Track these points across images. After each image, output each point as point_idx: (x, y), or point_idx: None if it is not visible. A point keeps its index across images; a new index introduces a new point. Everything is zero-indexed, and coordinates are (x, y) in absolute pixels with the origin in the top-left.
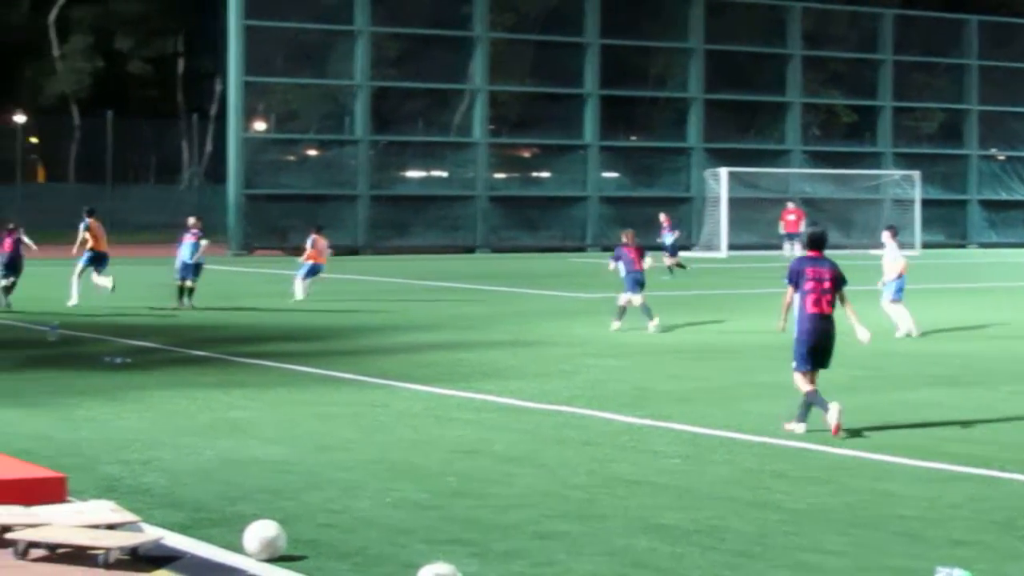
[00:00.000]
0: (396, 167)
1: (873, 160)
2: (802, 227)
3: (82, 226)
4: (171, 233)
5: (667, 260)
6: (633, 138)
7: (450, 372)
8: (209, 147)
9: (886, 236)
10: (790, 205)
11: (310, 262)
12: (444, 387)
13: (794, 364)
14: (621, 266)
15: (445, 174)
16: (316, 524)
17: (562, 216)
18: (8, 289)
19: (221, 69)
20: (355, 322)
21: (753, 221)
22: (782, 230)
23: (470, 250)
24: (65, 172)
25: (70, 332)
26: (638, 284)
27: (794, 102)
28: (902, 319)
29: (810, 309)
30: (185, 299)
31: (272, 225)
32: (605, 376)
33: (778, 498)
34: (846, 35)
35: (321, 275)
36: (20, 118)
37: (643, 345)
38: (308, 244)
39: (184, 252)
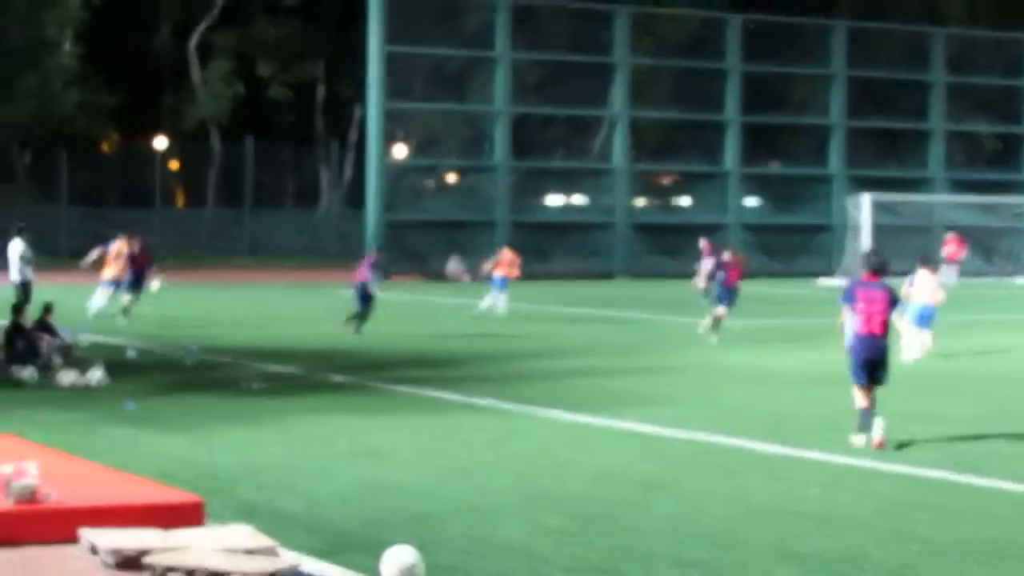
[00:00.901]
0: (535, 193)
1: (1017, 188)
2: (962, 256)
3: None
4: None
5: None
6: (774, 165)
7: (590, 398)
8: (348, 173)
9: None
10: (950, 234)
11: (499, 274)
12: (584, 414)
13: (852, 379)
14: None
15: (585, 200)
16: (455, 550)
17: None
18: (127, 310)
19: (361, 95)
20: (494, 348)
21: (895, 249)
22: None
23: (608, 276)
24: (204, 197)
25: (208, 356)
26: (728, 297)
27: (937, 129)
28: (914, 344)
29: (861, 329)
30: (355, 325)
31: (411, 251)
32: (744, 403)
33: (919, 529)
34: (990, 61)
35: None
36: (161, 143)
37: (781, 372)
38: (494, 257)
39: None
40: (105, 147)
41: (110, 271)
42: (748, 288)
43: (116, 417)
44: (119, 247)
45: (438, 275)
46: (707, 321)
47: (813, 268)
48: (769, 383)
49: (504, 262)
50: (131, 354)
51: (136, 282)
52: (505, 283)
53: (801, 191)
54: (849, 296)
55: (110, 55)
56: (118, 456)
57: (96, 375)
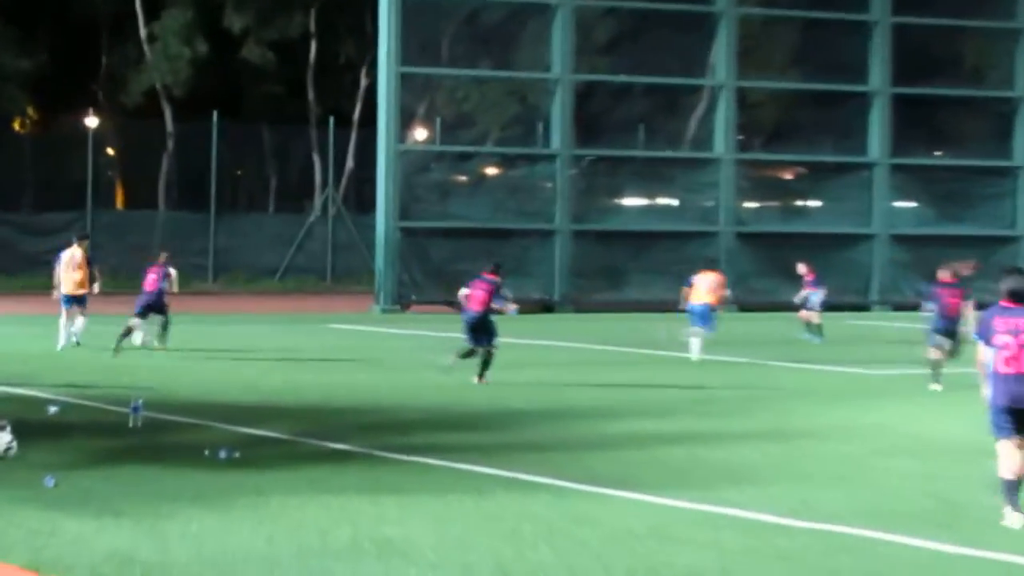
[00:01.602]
0: (607, 192)
1: None
2: None
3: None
4: (294, 281)
5: (807, 316)
6: (937, 154)
7: (682, 475)
8: (350, 163)
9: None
10: None
11: (698, 303)
12: (673, 496)
13: (992, 432)
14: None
15: (674, 202)
16: None
17: (837, 261)
18: (162, 334)
19: (369, 57)
20: (549, 404)
21: None
22: None
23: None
24: (154, 196)
25: (159, 415)
26: (947, 333)
27: None
28: None
29: (1002, 368)
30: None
31: (434, 270)
32: (899, 483)
33: None
34: None
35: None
36: (92, 122)
37: (952, 437)
38: (687, 283)
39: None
40: (17, 127)
41: (65, 285)
42: (901, 322)
43: (30, 498)
44: (71, 254)
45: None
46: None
47: (991, 295)
48: (938, 455)
49: (703, 287)
50: (53, 410)
51: (158, 300)
52: (709, 315)
53: (974, 189)
54: (985, 329)
55: (24, 4)
56: (32, 553)
57: (2, 441)
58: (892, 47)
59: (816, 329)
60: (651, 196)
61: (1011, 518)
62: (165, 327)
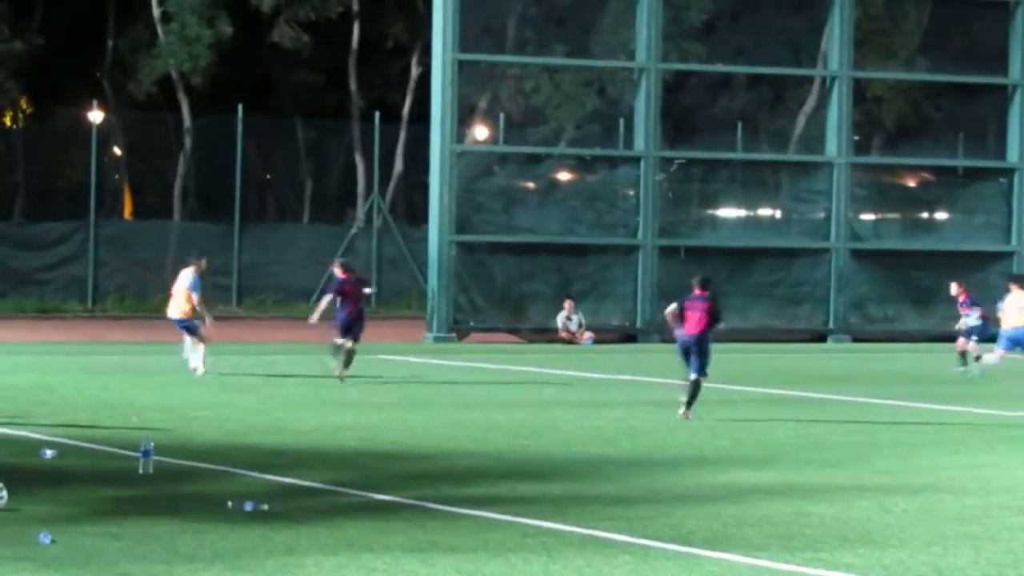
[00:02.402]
0: (700, 201)
1: None
2: None
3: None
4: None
5: (963, 344)
6: None
7: (786, 534)
8: (399, 165)
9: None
10: None
11: (1010, 327)
12: (777, 559)
13: None
14: None
15: (779, 213)
16: None
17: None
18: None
19: (420, 41)
20: (631, 450)
21: None
22: None
23: (820, 338)
24: (168, 202)
25: (173, 460)
26: None
27: None
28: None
29: None
30: None
31: (498, 292)
32: None
33: None
34: None
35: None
36: (96, 116)
37: None
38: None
39: None
40: (8, 121)
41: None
42: None
43: (23, 557)
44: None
45: (542, 331)
46: None
47: None
48: None
49: (1015, 308)
50: (48, 454)
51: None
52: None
53: None
54: None
55: None
56: None
57: None
58: None
59: (966, 359)
60: (751, 206)
61: None
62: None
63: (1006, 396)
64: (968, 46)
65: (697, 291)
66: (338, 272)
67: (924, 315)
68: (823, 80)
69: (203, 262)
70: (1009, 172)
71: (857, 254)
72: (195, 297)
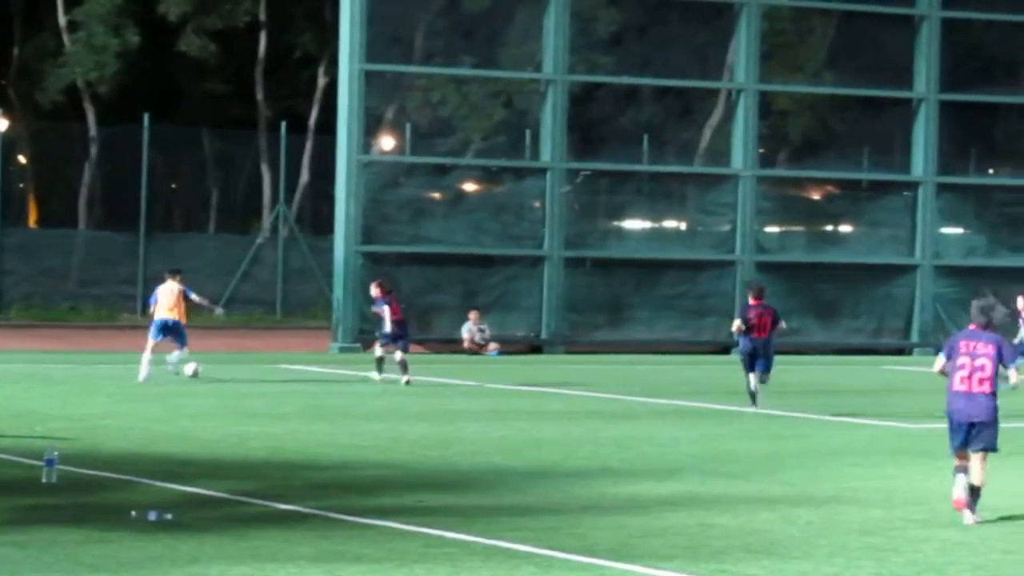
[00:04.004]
0: (607, 213)
1: None
2: None
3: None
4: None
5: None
6: (991, 171)
7: (694, 545)
8: (305, 176)
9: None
10: None
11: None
12: (683, 570)
13: None
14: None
15: (684, 225)
16: None
17: (873, 297)
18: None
19: (328, 51)
20: (536, 461)
21: None
22: None
23: (725, 350)
24: (72, 212)
25: (78, 469)
26: None
27: None
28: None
29: (956, 386)
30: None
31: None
32: (942, 558)
33: None
34: None
35: None
36: (2, 124)
37: (1012, 504)
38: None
39: None
40: None
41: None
42: None
43: None
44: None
45: (448, 342)
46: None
47: None
48: (987, 524)
49: None
50: None
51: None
52: None
53: None
54: (949, 348)
55: None
56: None
57: None
58: (942, 45)
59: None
60: (657, 218)
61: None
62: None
63: (909, 410)
64: (874, 60)
65: (753, 300)
66: (379, 292)
67: (829, 328)
68: (729, 93)
69: (179, 277)
70: (914, 185)
71: (763, 267)
72: (195, 297)
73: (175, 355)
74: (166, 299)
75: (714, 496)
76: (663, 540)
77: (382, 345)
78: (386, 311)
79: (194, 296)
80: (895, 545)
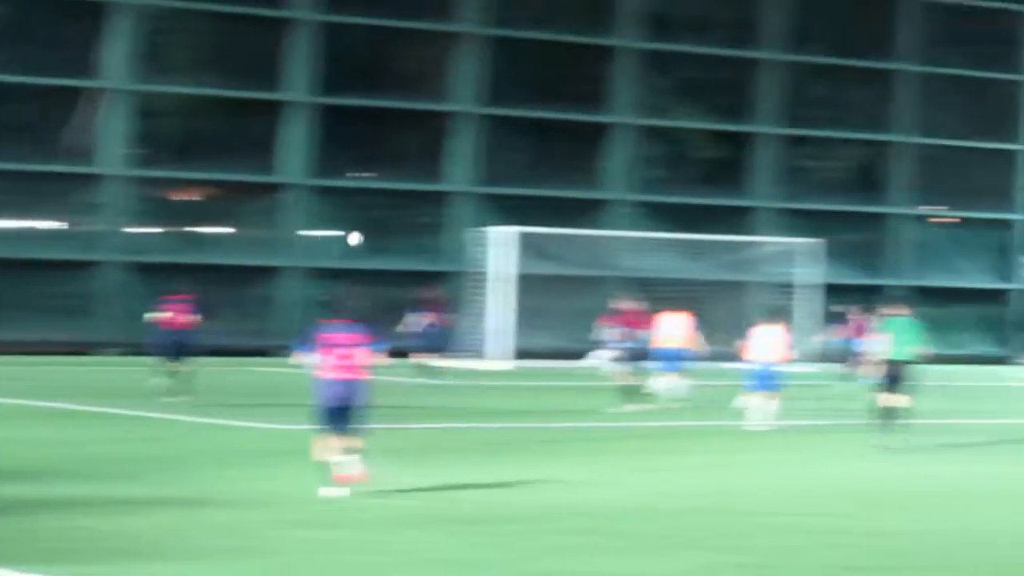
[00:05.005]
0: None
1: (745, 219)
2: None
3: None
4: None
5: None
6: (367, 175)
7: (60, 548)
8: None
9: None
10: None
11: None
12: (40, 573)
13: None
14: None
15: (57, 225)
16: None
17: (245, 298)
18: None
19: None
20: None
21: (550, 313)
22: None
23: (93, 348)
24: None
25: None
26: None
27: (623, 123)
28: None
29: (327, 374)
30: None
31: None
32: (309, 557)
33: None
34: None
35: None
36: None
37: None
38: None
39: None
40: None
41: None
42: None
43: None
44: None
45: None
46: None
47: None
48: (365, 526)
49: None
50: None
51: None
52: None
53: (402, 217)
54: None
55: None
56: None
57: None
58: (326, 50)
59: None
60: (33, 217)
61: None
62: None
63: (286, 411)
64: (250, 63)
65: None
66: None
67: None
68: (104, 92)
69: None
70: (287, 188)
71: (133, 267)
72: None
73: None
74: None
75: (79, 498)
76: (23, 542)
77: None
78: None
79: None
80: (253, 546)
